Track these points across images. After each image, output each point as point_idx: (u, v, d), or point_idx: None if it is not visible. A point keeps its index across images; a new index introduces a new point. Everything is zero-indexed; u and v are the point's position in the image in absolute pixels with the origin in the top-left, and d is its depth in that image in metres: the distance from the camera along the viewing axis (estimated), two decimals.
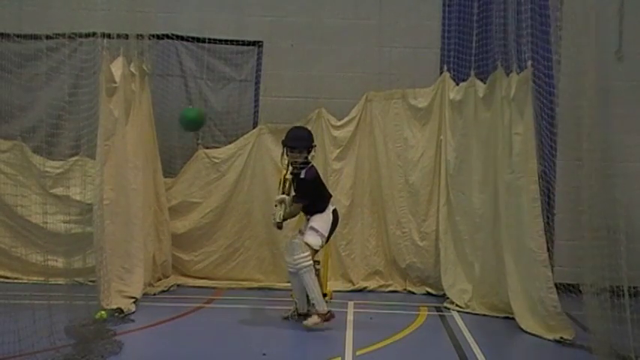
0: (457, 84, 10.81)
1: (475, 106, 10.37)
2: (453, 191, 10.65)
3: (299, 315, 9.09)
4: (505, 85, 9.56)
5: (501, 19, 9.97)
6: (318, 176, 9.10)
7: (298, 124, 10.05)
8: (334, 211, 9.04)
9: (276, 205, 8.98)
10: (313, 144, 9.05)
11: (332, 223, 8.99)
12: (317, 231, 8.86)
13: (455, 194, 10.63)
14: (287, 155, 8.99)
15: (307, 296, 9.02)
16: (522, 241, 9.04)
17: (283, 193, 9.02)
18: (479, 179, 10.21)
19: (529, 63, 9.16)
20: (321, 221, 8.92)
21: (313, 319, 8.79)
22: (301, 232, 9.05)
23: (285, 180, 9.04)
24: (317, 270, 9.10)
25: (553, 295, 8.68)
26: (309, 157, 9.00)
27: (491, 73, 10.04)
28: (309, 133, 9.24)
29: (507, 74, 9.56)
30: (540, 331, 8.74)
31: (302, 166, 8.91)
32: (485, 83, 10.23)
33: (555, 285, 8.86)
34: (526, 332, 8.90)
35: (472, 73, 10.55)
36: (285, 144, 9.00)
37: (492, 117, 9.93)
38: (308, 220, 9.00)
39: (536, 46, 9.45)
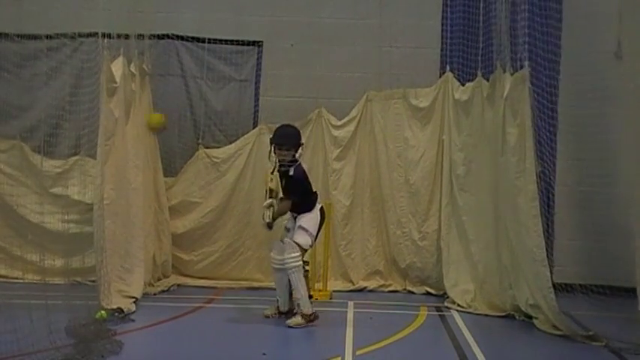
0: (462, 84, 10.72)
1: (482, 106, 10.30)
2: (461, 191, 10.57)
3: (281, 313, 9.09)
4: (500, 84, 9.53)
5: (499, 19, 9.90)
6: (306, 174, 9.10)
7: (288, 122, 9.76)
8: (321, 209, 9.09)
9: (265, 210, 8.93)
10: (301, 142, 9.06)
11: (319, 222, 9.03)
12: (306, 230, 8.90)
13: (462, 194, 10.55)
14: (274, 153, 8.95)
15: (290, 294, 9.00)
16: (522, 240, 9.03)
17: (270, 197, 8.92)
18: (487, 179, 10.14)
19: (526, 63, 9.11)
20: (310, 220, 8.96)
21: (297, 319, 8.79)
22: (287, 229, 9.06)
23: (270, 189, 8.91)
24: (306, 271, 9.08)
25: (551, 295, 8.69)
26: (297, 155, 8.98)
27: (492, 73, 10.01)
28: (298, 131, 9.22)
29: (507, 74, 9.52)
30: (549, 328, 8.77)
31: (290, 164, 8.90)
32: (488, 82, 10.19)
33: (555, 285, 8.88)
34: (525, 332, 8.91)
35: (479, 73, 10.41)
36: (273, 142, 8.98)
37: (494, 116, 9.91)
38: (295, 218, 9.01)
39: (534, 47, 9.43)
